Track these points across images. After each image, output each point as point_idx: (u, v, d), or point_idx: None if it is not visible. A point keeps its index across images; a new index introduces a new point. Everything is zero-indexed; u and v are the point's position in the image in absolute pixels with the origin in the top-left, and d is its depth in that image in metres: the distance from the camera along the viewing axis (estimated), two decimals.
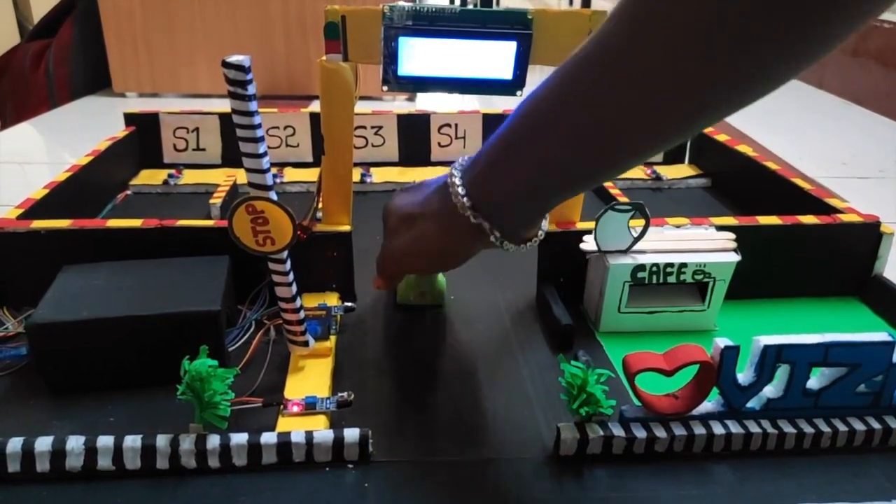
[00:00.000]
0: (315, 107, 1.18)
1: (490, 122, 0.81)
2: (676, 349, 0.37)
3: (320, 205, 0.50)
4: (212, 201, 0.66)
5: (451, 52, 0.43)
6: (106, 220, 0.49)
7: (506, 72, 0.44)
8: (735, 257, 0.48)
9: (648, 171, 0.80)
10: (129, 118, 0.77)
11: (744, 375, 0.37)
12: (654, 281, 0.47)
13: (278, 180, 0.75)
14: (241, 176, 0.76)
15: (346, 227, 0.50)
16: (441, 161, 0.82)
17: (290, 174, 0.77)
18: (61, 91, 1.31)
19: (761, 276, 0.52)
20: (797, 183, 0.64)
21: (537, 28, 0.43)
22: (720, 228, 0.51)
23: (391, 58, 0.43)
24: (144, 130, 0.77)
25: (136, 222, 0.49)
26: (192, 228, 0.49)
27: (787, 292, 0.54)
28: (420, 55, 0.43)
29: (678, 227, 0.51)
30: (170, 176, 0.73)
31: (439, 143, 0.82)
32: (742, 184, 0.74)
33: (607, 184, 0.73)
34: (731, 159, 0.76)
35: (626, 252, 0.47)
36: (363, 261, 0.51)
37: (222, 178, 0.73)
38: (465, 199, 0.37)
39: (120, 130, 0.75)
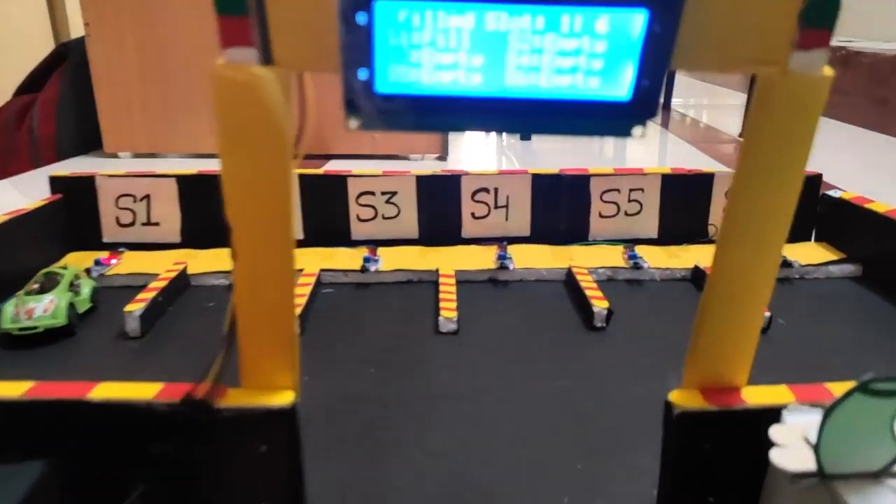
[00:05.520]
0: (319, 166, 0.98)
1: (540, 185, 0.59)
2: None
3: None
4: (127, 309, 0.44)
5: (496, 36, 0.21)
6: None
7: (620, 87, 0.21)
8: None
9: None
10: (56, 183, 0.58)
11: None
12: None
13: None
14: (200, 260, 0.55)
15: (288, 397, 0.26)
16: (475, 238, 0.60)
17: None
18: (46, 151, 1.16)
19: None
20: None
21: None
22: None
23: (360, 52, 0.21)
24: (75, 199, 0.57)
25: None
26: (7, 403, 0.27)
27: None
28: (426, 43, 0.21)
29: None
30: (96, 263, 0.53)
31: (473, 214, 0.61)
32: None
33: None
34: (893, 238, 0.52)
35: (878, 477, 0.23)
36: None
37: (169, 265, 0.52)
38: None
39: (37, 200, 0.56)
